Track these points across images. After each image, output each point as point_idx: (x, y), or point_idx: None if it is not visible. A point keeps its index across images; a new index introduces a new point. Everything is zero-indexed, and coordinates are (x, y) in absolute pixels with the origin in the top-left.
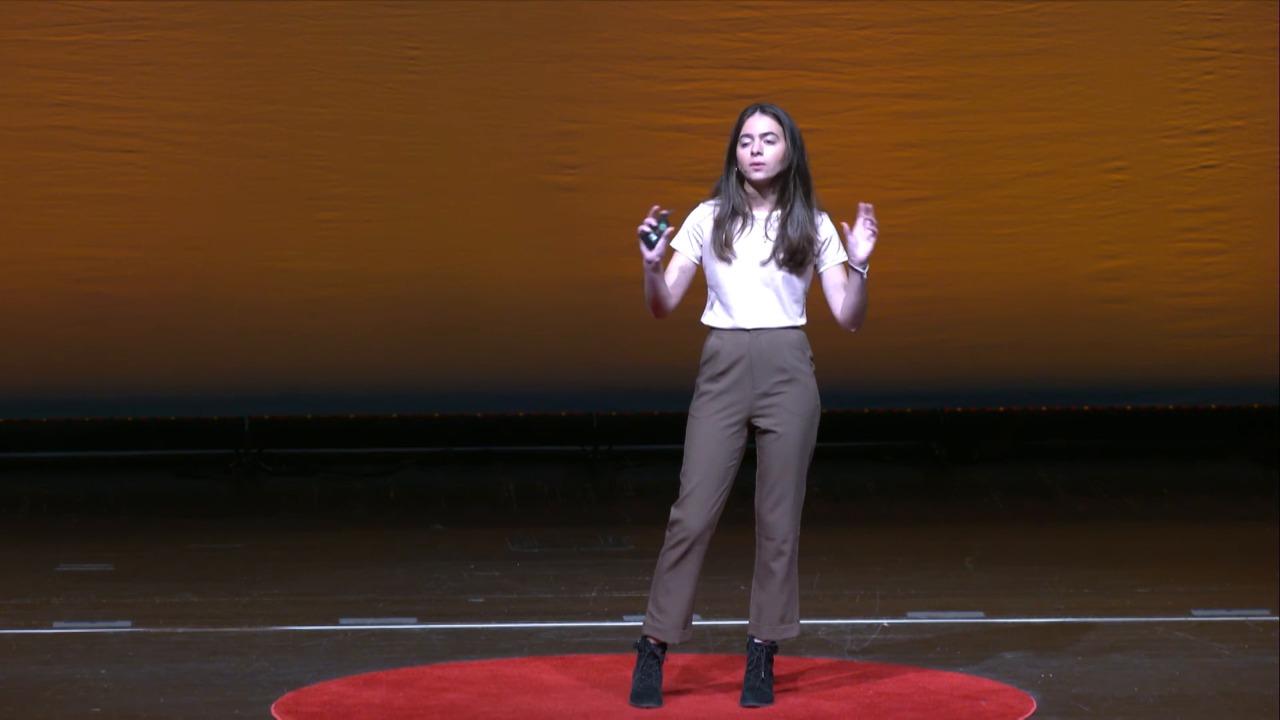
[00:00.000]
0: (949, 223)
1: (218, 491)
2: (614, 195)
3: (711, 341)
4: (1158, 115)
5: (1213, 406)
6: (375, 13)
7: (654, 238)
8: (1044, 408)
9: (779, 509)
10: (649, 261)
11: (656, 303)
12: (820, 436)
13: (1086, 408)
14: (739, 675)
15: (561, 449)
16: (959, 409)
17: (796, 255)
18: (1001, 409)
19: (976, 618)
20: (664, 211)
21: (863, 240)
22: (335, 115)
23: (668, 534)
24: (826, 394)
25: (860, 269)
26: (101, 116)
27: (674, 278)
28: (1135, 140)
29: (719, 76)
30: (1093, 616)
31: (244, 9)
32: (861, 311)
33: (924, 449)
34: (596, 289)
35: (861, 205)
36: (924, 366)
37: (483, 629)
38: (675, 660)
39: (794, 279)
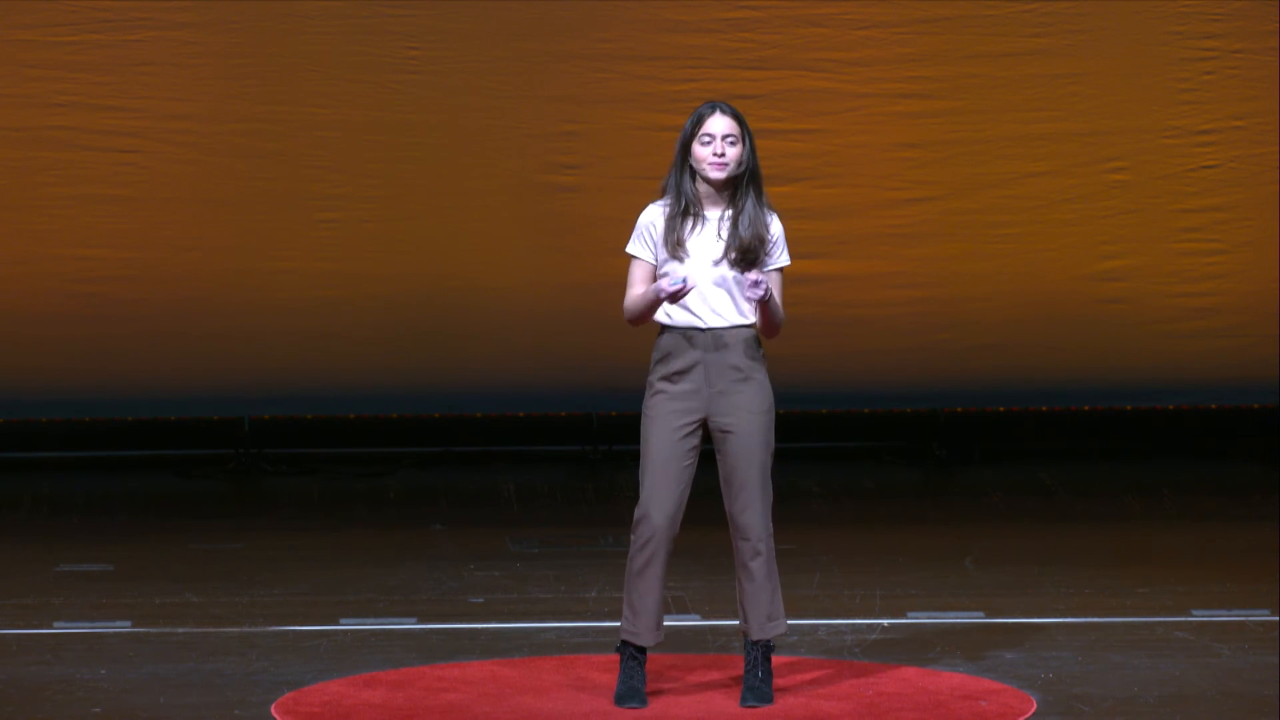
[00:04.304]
0: (949, 223)
1: (218, 491)
2: (614, 195)
3: (665, 339)
4: (1158, 115)
5: (1213, 406)
6: (375, 13)
7: (688, 288)
8: (1044, 408)
9: (750, 510)
10: (664, 297)
11: (643, 319)
12: (820, 437)
13: (1086, 408)
14: (737, 675)
15: (561, 449)
16: (959, 409)
17: (749, 255)
18: (1001, 409)
19: (976, 618)
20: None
21: (752, 294)
22: (335, 115)
23: (633, 535)
24: (827, 394)
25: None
26: (101, 116)
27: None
28: (1135, 140)
29: (719, 76)
30: (1093, 616)
31: (244, 9)
32: (776, 323)
33: (924, 449)
34: (596, 289)
35: (747, 276)
36: (924, 366)
37: (483, 629)
38: (672, 660)
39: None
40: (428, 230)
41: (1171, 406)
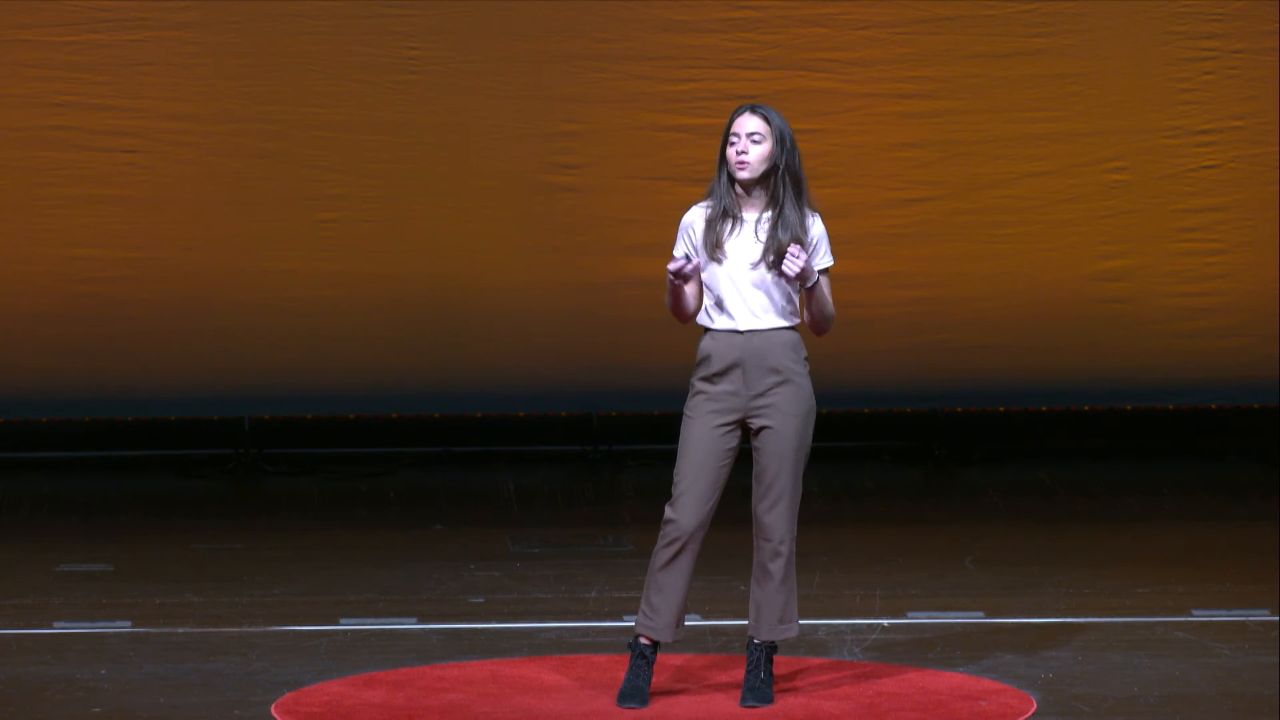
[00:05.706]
0: (949, 223)
1: (218, 491)
2: (614, 195)
3: (705, 342)
4: (1158, 115)
5: (1213, 406)
6: (375, 13)
7: (687, 270)
8: (1044, 408)
9: (776, 510)
10: (676, 280)
11: (678, 310)
12: (819, 436)
13: (1086, 408)
14: (738, 675)
15: (561, 449)
16: (959, 409)
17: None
18: (1001, 409)
19: (976, 618)
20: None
21: (789, 268)
22: (335, 115)
23: (661, 533)
24: (826, 394)
25: (808, 281)
26: (101, 116)
27: (690, 286)
28: (1135, 140)
29: (719, 76)
30: (1093, 616)
31: (244, 9)
32: (824, 317)
33: (924, 449)
34: (596, 289)
35: (791, 248)
36: (924, 366)
37: (483, 629)
38: (673, 660)
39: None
40: (428, 230)
41: (1171, 406)
